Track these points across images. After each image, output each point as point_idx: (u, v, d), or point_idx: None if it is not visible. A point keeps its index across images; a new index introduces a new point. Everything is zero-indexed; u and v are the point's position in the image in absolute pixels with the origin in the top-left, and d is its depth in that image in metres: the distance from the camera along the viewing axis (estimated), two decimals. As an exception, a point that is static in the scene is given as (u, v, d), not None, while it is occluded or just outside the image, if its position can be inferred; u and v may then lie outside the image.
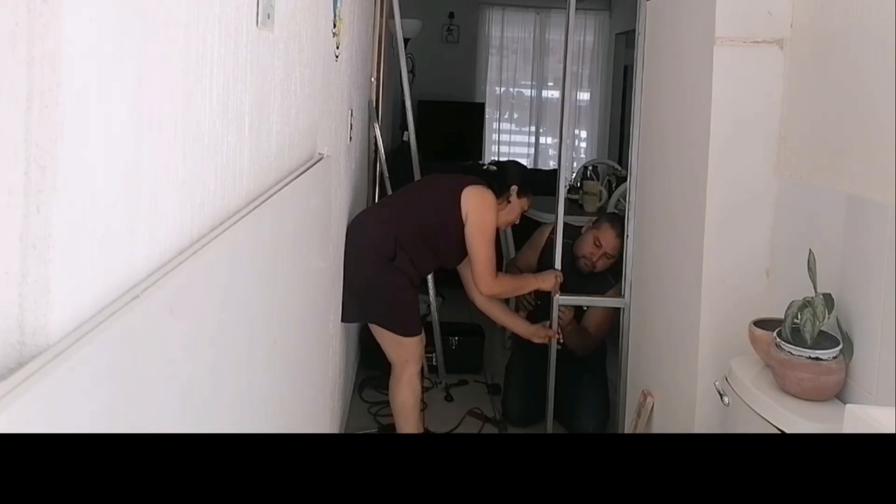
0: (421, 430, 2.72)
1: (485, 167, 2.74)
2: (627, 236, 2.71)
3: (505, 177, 2.67)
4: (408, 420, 2.62)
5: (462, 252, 2.60)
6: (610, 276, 2.95)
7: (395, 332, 2.54)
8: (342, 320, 2.54)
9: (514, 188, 2.67)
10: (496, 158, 6.71)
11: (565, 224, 2.88)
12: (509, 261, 3.54)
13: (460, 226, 2.54)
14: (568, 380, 2.94)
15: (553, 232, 2.92)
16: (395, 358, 2.60)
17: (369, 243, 2.52)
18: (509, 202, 2.67)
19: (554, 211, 2.89)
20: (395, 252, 2.49)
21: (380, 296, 2.52)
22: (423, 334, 2.63)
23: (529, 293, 3.02)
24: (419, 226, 2.56)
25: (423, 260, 2.57)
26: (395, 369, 2.61)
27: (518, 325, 2.86)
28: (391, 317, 2.53)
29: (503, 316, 2.87)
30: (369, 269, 2.50)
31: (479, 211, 2.53)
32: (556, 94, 7.08)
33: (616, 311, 2.88)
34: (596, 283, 2.95)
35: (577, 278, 2.94)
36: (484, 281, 2.55)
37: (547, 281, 2.78)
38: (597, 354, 3.14)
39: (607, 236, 2.91)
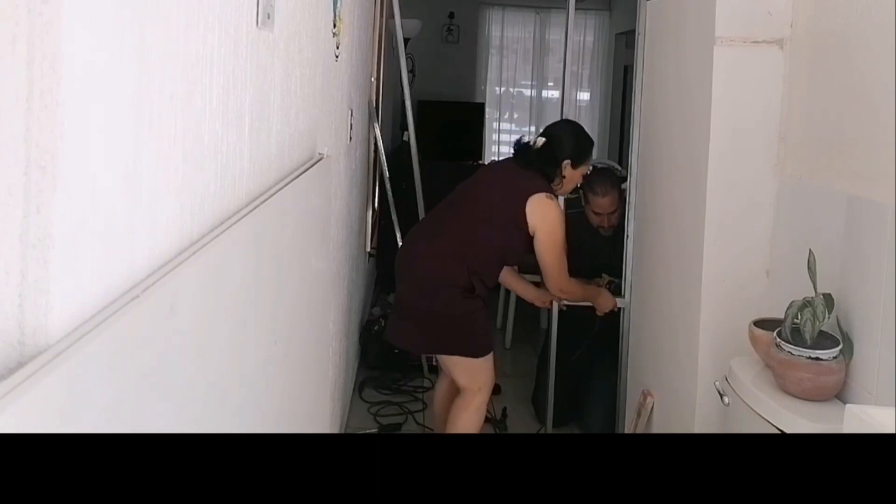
0: None
1: (532, 144, 2.59)
2: (627, 236, 2.71)
3: (554, 153, 2.54)
4: None
5: (529, 251, 2.54)
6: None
7: (469, 356, 2.48)
8: (392, 340, 2.57)
9: (566, 163, 2.52)
10: (496, 158, 6.72)
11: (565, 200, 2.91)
12: None
13: (528, 236, 2.46)
14: (581, 377, 3.02)
15: (567, 207, 2.92)
16: (468, 384, 2.51)
17: (441, 278, 2.42)
18: (564, 177, 2.54)
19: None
20: (470, 282, 2.43)
21: (454, 326, 2.45)
22: (493, 352, 2.55)
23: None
24: (488, 250, 2.47)
25: (493, 276, 2.54)
26: (466, 394, 2.51)
27: (528, 290, 2.83)
28: (466, 344, 2.48)
29: (515, 282, 2.84)
30: (441, 303, 2.42)
31: (547, 226, 2.44)
32: (556, 94, 7.08)
33: None
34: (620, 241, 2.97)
35: (605, 244, 3.10)
36: (556, 284, 2.51)
37: (606, 301, 2.76)
38: (609, 353, 3.15)
39: (599, 203, 3.05)
